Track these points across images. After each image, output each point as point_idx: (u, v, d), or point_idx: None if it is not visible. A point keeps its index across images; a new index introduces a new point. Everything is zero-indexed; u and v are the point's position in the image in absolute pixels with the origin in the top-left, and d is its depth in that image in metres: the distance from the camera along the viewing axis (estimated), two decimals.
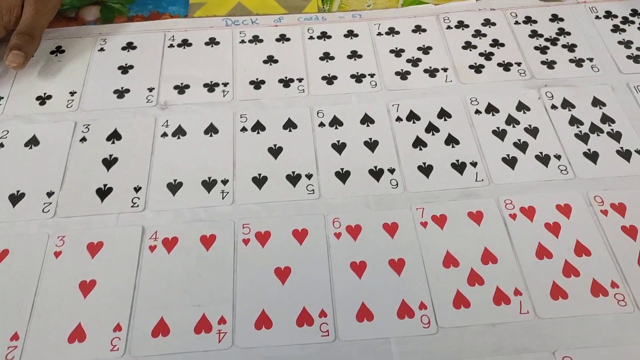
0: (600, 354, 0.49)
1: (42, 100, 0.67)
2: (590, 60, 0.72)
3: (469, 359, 0.49)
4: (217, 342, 0.50)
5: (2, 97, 0.67)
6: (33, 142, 0.63)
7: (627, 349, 0.49)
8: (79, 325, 0.51)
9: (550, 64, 0.71)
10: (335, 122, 0.65)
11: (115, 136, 0.64)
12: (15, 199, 0.58)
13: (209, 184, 0.60)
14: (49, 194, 0.59)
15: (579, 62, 0.72)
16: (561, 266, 0.54)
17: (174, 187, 0.59)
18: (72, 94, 0.68)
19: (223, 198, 0.59)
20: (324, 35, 0.75)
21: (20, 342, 0.50)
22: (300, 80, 0.70)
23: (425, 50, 0.73)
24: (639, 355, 0.49)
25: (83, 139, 0.63)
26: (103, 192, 0.59)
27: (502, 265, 0.54)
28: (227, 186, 0.60)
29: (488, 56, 0.72)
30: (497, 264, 0.54)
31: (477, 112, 0.66)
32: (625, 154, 0.62)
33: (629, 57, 0.72)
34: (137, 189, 0.59)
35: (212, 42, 0.74)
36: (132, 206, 0.58)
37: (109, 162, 0.61)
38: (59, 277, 0.53)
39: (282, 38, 0.75)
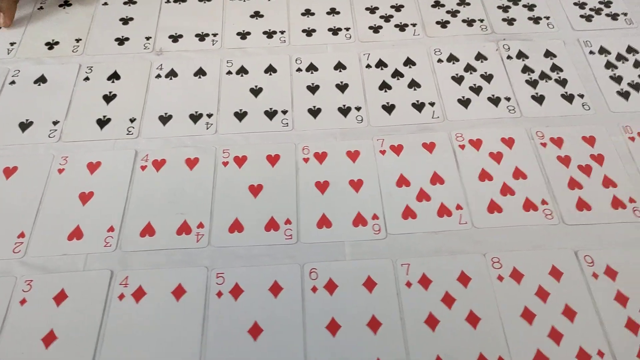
0: (525, 256, 0.57)
1: (51, 45, 0.76)
2: (547, 18, 0.80)
3: (410, 258, 0.57)
4: (196, 242, 0.58)
5: (15, 42, 0.76)
6: (42, 80, 0.72)
7: (548, 252, 0.57)
8: (77, 227, 0.59)
9: (510, 21, 0.79)
10: (311, 68, 0.74)
11: (115, 76, 0.73)
12: (24, 126, 0.67)
13: (195, 117, 0.68)
14: (55, 123, 0.68)
15: (536, 20, 0.80)
16: (499, 187, 0.62)
17: (165, 119, 0.68)
18: (77, 40, 0.76)
19: (207, 128, 0.67)
20: None
21: (25, 239, 0.59)
22: (282, 32, 0.78)
23: (398, 8, 0.82)
24: (556, 257, 0.57)
25: (86, 79, 0.72)
26: (102, 122, 0.68)
27: (448, 185, 0.62)
28: (211, 119, 0.68)
29: (454, 14, 0.81)
30: (444, 184, 0.62)
31: (440, 60, 0.74)
32: (569, 98, 0.70)
33: (582, 16, 0.80)
34: (132, 120, 0.68)
35: None
36: (127, 134, 0.67)
37: (108, 98, 0.70)
38: (62, 189, 0.62)
39: None
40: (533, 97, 0.69)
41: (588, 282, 0.55)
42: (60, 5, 0.81)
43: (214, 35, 0.77)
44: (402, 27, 0.78)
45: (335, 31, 0.77)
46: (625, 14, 0.79)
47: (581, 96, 0.69)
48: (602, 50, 0.74)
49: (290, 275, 0.55)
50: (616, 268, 0.56)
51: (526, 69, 0.72)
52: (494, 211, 0.59)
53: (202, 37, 0.76)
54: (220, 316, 0.53)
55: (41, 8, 0.80)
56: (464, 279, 0.55)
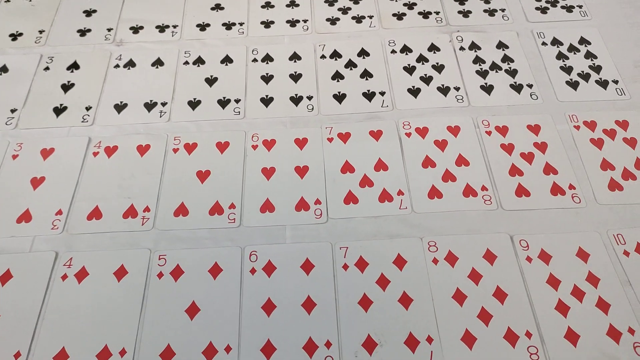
0: (461, 240, 0.58)
1: (14, 36, 0.78)
2: (503, 10, 0.81)
3: (349, 242, 0.58)
4: (141, 225, 0.60)
5: None
6: (3, 69, 0.74)
7: (484, 236, 0.59)
8: (26, 210, 0.61)
9: (466, 14, 0.81)
10: (267, 59, 0.75)
11: (74, 66, 0.74)
12: None
13: (150, 106, 0.70)
14: (12, 111, 0.69)
15: (492, 12, 0.81)
16: (442, 173, 0.64)
17: (120, 107, 0.70)
18: (40, 32, 0.78)
19: (160, 117, 0.69)
20: None
21: None
22: (241, 24, 0.80)
23: (356, 0, 0.83)
24: (491, 241, 0.58)
25: (46, 68, 0.74)
26: (59, 110, 0.69)
27: (391, 172, 0.64)
28: (165, 107, 0.70)
29: (411, 6, 0.82)
30: (387, 171, 0.64)
31: (393, 51, 0.76)
32: (517, 87, 0.72)
33: (537, 8, 0.82)
34: (88, 108, 0.70)
35: None
36: (82, 121, 0.69)
37: (66, 87, 0.72)
38: (14, 174, 0.64)
39: None
40: (482, 87, 0.71)
41: (521, 265, 0.56)
42: None
43: (174, 27, 0.78)
44: (359, 19, 0.79)
45: (293, 23, 0.79)
46: (581, 6, 0.80)
47: (530, 86, 0.71)
48: (555, 42, 0.76)
49: (231, 257, 0.57)
50: (551, 252, 0.57)
51: (477, 60, 0.74)
52: (434, 197, 0.61)
53: (162, 28, 0.78)
54: (160, 296, 0.55)
55: (8, 1, 0.81)
56: (399, 262, 0.56)
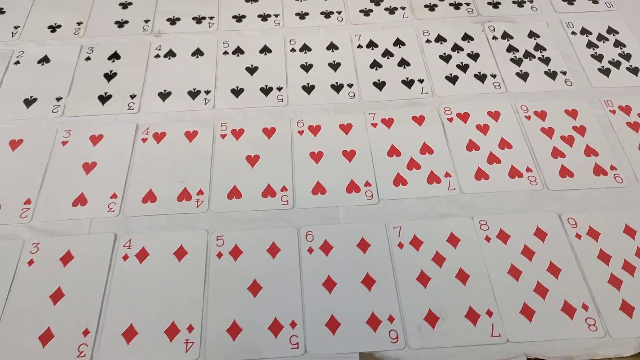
0: (511, 218, 0.60)
1: (53, 28, 0.79)
2: (531, 1, 0.83)
3: (402, 222, 0.60)
4: (196, 207, 0.61)
5: (19, 26, 0.79)
6: (45, 60, 0.75)
7: (533, 215, 0.60)
8: (81, 194, 0.62)
9: (495, 4, 0.83)
10: (305, 48, 0.76)
11: (115, 56, 0.75)
12: (28, 102, 0.70)
13: (193, 94, 0.71)
14: (58, 99, 0.70)
15: (520, 3, 0.83)
16: (486, 156, 0.65)
17: (164, 95, 0.71)
18: (79, 24, 0.79)
19: (205, 104, 0.70)
20: None
21: (32, 205, 0.61)
22: (276, 15, 0.81)
23: None
24: (539, 219, 0.60)
25: (87, 58, 0.75)
26: (104, 98, 0.70)
27: (437, 155, 0.65)
28: (209, 95, 0.71)
29: None
30: (433, 154, 0.65)
31: (428, 41, 0.77)
32: (552, 74, 0.73)
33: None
34: (132, 97, 0.71)
35: None
36: (128, 109, 0.69)
37: (109, 76, 0.73)
38: (66, 160, 0.64)
39: None
40: (517, 74, 0.73)
41: (572, 242, 0.58)
42: None
43: (211, 18, 0.79)
44: (391, 10, 0.81)
45: (327, 14, 0.80)
46: None
47: (564, 73, 0.72)
48: (584, 31, 0.78)
49: (287, 237, 0.58)
50: (599, 229, 0.59)
51: (511, 48, 0.76)
52: (480, 178, 0.62)
53: (199, 20, 0.79)
54: (221, 275, 0.56)
55: None
56: (453, 240, 0.58)
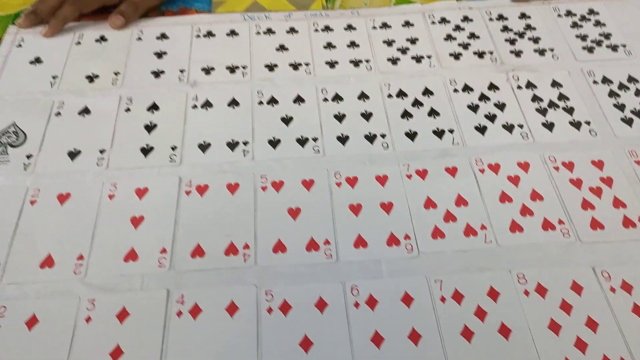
0: (546, 272, 0.62)
1: (91, 78, 0.81)
2: (552, 50, 0.86)
3: (442, 275, 0.62)
4: (243, 262, 0.63)
5: (57, 76, 0.81)
6: (85, 111, 0.77)
7: (568, 268, 0.63)
8: (132, 249, 0.64)
9: (517, 53, 0.86)
10: (337, 98, 0.79)
11: (154, 107, 0.78)
12: (73, 154, 0.72)
13: (232, 145, 0.73)
14: (101, 151, 0.72)
15: (542, 52, 0.86)
16: (519, 208, 0.68)
17: (204, 147, 0.73)
18: (116, 74, 0.81)
19: (244, 156, 0.72)
20: (327, 28, 0.89)
21: (84, 261, 0.63)
22: (307, 64, 0.84)
23: (413, 41, 0.88)
24: (576, 273, 0.62)
25: (127, 109, 0.77)
26: (146, 150, 0.73)
27: (471, 207, 0.68)
28: (247, 146, 0.73)
29: (465, 46, 0.87)
30: (468, 206, 0.68)
31: (455, 90, 0.80)
32: (576, 124, 0.76)
33: (584, 48, 0.87)
34: (173, 148, 0.73)
35: (232, 33, 0.89)
36: (170, 161, 0.72)
37: (149, 128, 0.75)
38: (114, 213, 0.67)
39: (292, 30, 0.89)
40: (543, 124, 0.75)
41: (607, 296, 0.60)
42: (97, 40, 0.86)
43: (244, 67, 0.82)
44: (418, 59, 0.84)
45: (356, 63, 0.83)
46: (624, 46, 0.86)
47: (588, 123, 0.75)
48: (605, 80, 0.81)
49: (334, 292, 0.60)
50: (631, 282, 0.61)
51: (535, 98, 0.79)
52: (515, 230, 0.65)
53: (232, 69, 0.82)
54: (273, 331, 0.58)
55: (79, 43, 0.85)
56: (493, 294, 0.60)
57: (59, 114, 0.76)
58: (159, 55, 0.84)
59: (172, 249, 0.63)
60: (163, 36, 0.87)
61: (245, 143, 0.72)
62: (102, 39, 0.86)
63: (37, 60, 0.82)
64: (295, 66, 0.82)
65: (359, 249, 0.63)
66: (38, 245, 0.63)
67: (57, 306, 0.59)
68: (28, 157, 0.71)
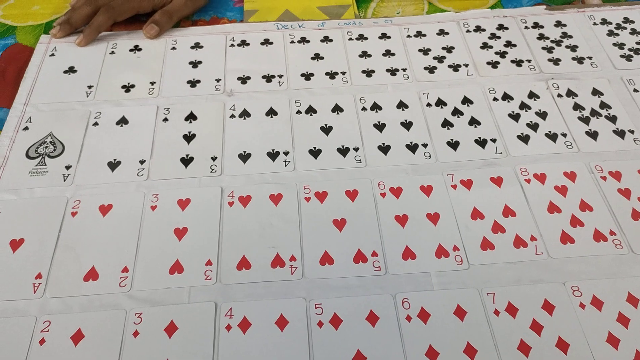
0: (600, 284, 0.61)
1: (127, 88, 0.80)
2: (590, 58, 0.85)
3: (494, 287, 0.61)
4: (290, 274, 0.62)
5: (92, 86, 0.80)
6: (123, 121, 0.76)
7: (622, 280, 0.62)
8: (177, 261, 0.63)
9: (555, 61, 0.85)
10: (375, 107, 0.78)
11: (191, 117, 0.77)
12: (112, 165, 0.71)
13: (273, 155, 0.72)
14: (141, 162, 0.71)
15: (580, 60, 0.85)
16: (569, 218, 0.66)
17: (244, 157, 0.72)
18: (152, 83, 0.80)
19: (285, 166, 0.71)
20: (361, 37, 0.88)
21: (129, 274, 0.62)
22: (343, 73, 0.83)
23: (449, 49, 0.87)
24: (630, 285, 0.61)
25: (165, 119, 0.76)
26: (186, 161, 0.72)
27: (519, 218, 0.67)
28: (288, 156, 0.72)
29: (502, 54, 0.86)
30: (516, 217, 0.67)
31: (495, 99, 0.79)
32: (620, 133, 0.75)
33: (622, 56, 0.85)
34: (213, 159, 0.72)
35: (267, 42, 0.88)
36: (210, 172, 0.71)
37: (188, 138, 0.74)
38: (157, 225, 0.65)
39: (326, 39, 0.88)
40: (587, 132, 0.74)
41: None
42: (131, 50, 0.85)
43: (280, 76, 0.81)
44: (455, 68, 0.83)
45: (393, 72, 0.82)
46: None
47: (632, 132, 0.74)
48: None
49: (384, 304, 0.59)
50: None
51: (577, 107, 0.77)
52: (566, 242, 0.64)
53: (268, 78, 0.81)
54: (324, 345, 0.56)
55: (113, 53, 0.84)
56: (548, 307, 0.59)
57: (96, 124, 0.75)
58: (194, 64, 0.83)
59: (218, 261, 0.62)
60: (197, 45, 0.86)
61: (286, 153, 0.71)
62: (137, 48, 0.85)
63: (71, 70, 0.81)
64: (331, 75, 0.81)
65: (407, 260, 0.62)
66: (81, 258, 0.62)
67: (103, 320, 0.58)
68: (67, 167, 0.70)
